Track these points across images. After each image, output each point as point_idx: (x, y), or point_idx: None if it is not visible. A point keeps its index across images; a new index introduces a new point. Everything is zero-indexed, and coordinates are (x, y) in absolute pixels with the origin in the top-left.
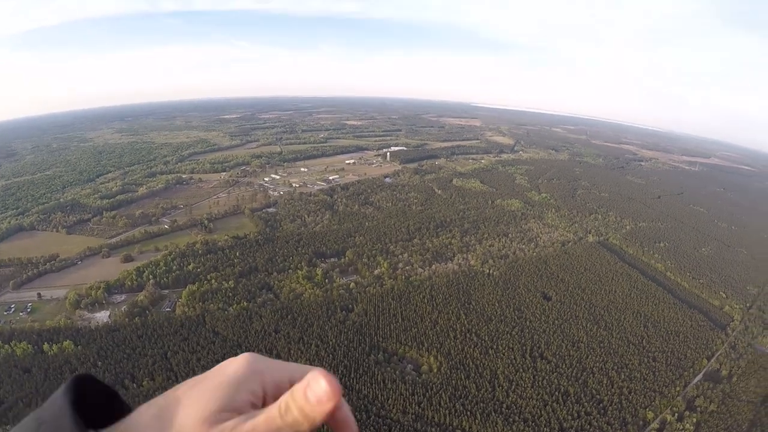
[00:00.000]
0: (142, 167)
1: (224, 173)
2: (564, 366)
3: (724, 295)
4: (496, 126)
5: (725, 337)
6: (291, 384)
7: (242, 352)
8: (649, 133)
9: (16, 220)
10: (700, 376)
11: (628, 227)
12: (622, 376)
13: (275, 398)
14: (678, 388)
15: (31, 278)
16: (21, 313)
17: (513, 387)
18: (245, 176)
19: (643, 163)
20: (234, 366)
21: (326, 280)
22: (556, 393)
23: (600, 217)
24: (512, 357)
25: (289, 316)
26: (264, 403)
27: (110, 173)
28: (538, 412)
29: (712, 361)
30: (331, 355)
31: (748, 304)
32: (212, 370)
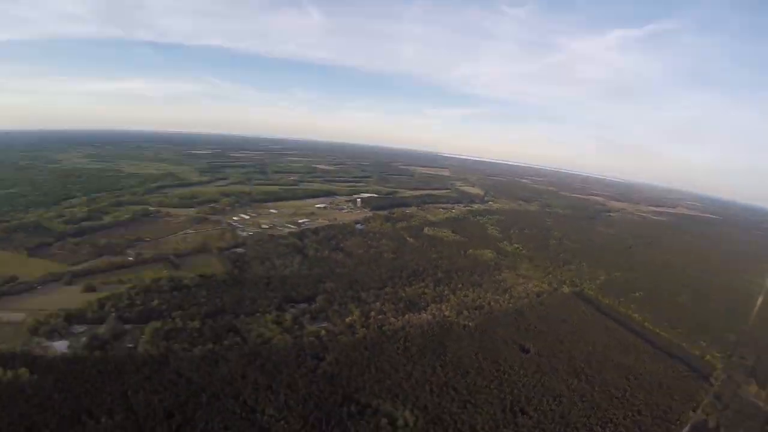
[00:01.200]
0: (109, 195)
1: (192, 209)
2: (546, 421)
3: (704, 344)
4: (464, 176)
5: (709, 387)
6: None
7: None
8: (614, 183)
9: None
10: (686, 428)
11: (602, 277)
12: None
13: None
14: None
15: None
16: None
17: None
18: (214, 214)
19: (612, 214)
20: None
21: (296, 326)
22: None
23: (574, 267)
24: (492, 412)
25: (257, 361)
26: None
27: (76, 198)
28: None
29: (699, 412)
30: (301, 405)
31: (728, 352)
32: None
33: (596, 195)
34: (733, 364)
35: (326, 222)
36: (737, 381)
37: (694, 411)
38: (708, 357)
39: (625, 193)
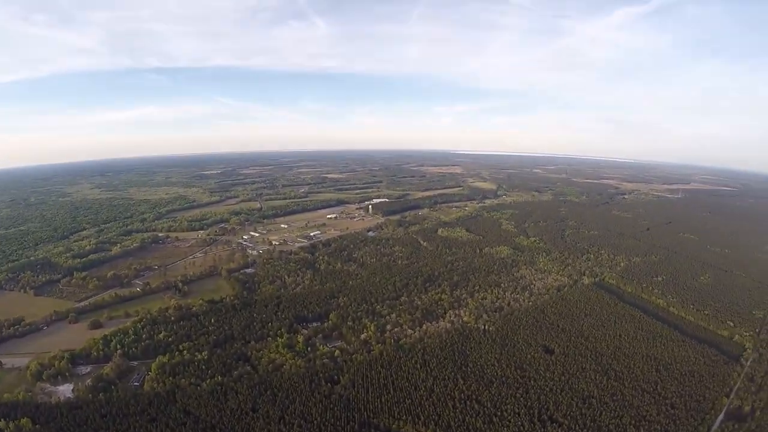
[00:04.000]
0: (118, 224)
1: (202, 231)
2: (577, 428)
3: (732, 324)
4: (477, 172)
5: (740, 369)
6: None
7: None
8: (626, 165)
9: None
10: (721, 416)
11: (622, 264)
12: (642, 431)
13: None
14: None
15: None
16: None
17: None
18: (223, 234)
19: (626, 196)
20: None
21: (308, 348)
22: None
23: (592, 256)
24: (519, 424)
25: (268, 392)
26: None
27: (85, 230)
28: None
29: (732, 397)
30: None
31: (757, 330)
32: None
33: (609, 178)
34: (762, 342)
35: (337, 232)
36: None
37: (727, 396)
38: (737, 337)
39: (638, 173)
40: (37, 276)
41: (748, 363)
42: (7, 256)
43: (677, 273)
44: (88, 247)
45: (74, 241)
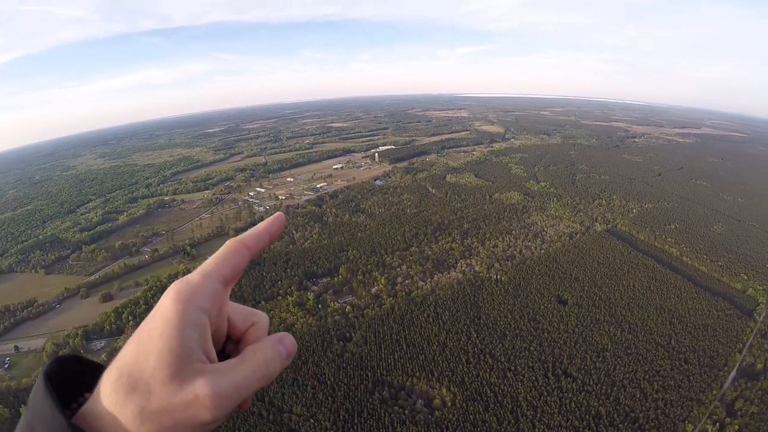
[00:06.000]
0: (124, 192)
1: (207, 191)
2: (591, 382)
3: (745, 277)
4: (483, 115)
5: (753, 325)
6: (245, 321)
7: None
8: (635, 107)
9: None
10: (734, 372)
11: (634, 211)
12: (656, 387)
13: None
14: (715, 392)
15: (8, 328)
16: None
17: (538, 415)
18: (229, 192)
19: (636, 140)
20: (175, 308)
21: (319, 306)
22: (587, 416)
23: (604, 202)
24: (533, 378)
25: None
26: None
27: (91, 202)
28: None
29: (744, 353)
30: (330, 398)
31: None
32: (155, 316)
33: (618, 121)
34: None
35: (344, 183)
36: None
37: (740, 353)
38: (750, 291)
39: (648, 116)
40: (47, 254)
41: (761, 318)
42: (16, 237)
43: (690, 221)
44: (94, 219)
45: (81, 215)
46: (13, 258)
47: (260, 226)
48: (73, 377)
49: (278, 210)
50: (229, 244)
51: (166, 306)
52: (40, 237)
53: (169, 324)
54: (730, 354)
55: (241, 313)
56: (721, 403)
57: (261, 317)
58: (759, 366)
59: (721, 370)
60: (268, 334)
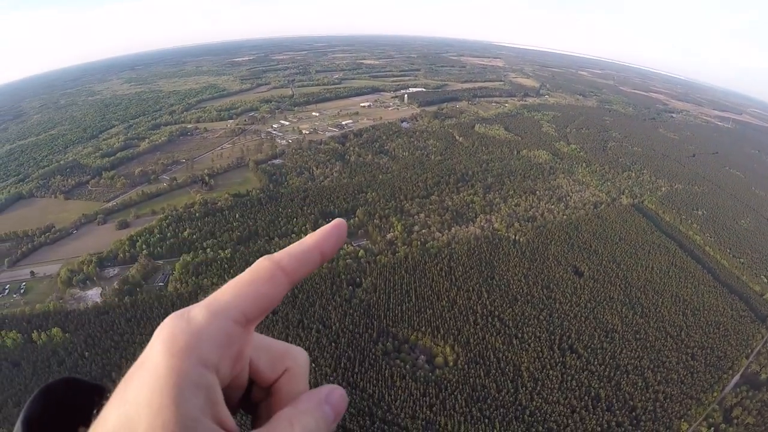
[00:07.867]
0: (147, 119)
1: (231, 121)
2: (596, 362)
3: (765, 280)
4: (519, 67)
5: (765, 332)
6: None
7: None
8: (675, 81)
9: (16, 188)
10: (737, 377)
11: (663, 189)
12: (658, 378)
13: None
14: (715, 394)
15: (26, 253)
16: (15, 295)
17: (538, 388)
18: (252, 123)
19: (674, 116)
20: (168, 363)
21: None
22: (586, 397)
23: (633, 174)
24: (539, 349)
25: (288, 294)
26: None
27: (114, 128)
28: (565, 420)
29: (751, 360)
30: (333, 344)
31: None
32: (143, 367)
33: (657, 92)
34: None
35: (370, 122)
36: None
37: (747, 358)
38: (767, 295)
39: (688, 92)
40: (67, 180)
41: None
42: (38, 162)
43: (718, 210)
44: (116, 145)
45: (103, 140)
46: (34, 183)
47: (308, 240)
48: (65, 408)
49: (300, 143)
50: (260, 264)
51: (156, 358)
52: (62, 162)
53: (160, 387)
54: (737, 358)
55: (269, 353)
56: (719, 407)
57: (297, 359)
58: (763, 376)
59: (725, 372)
60: (309, 380)
